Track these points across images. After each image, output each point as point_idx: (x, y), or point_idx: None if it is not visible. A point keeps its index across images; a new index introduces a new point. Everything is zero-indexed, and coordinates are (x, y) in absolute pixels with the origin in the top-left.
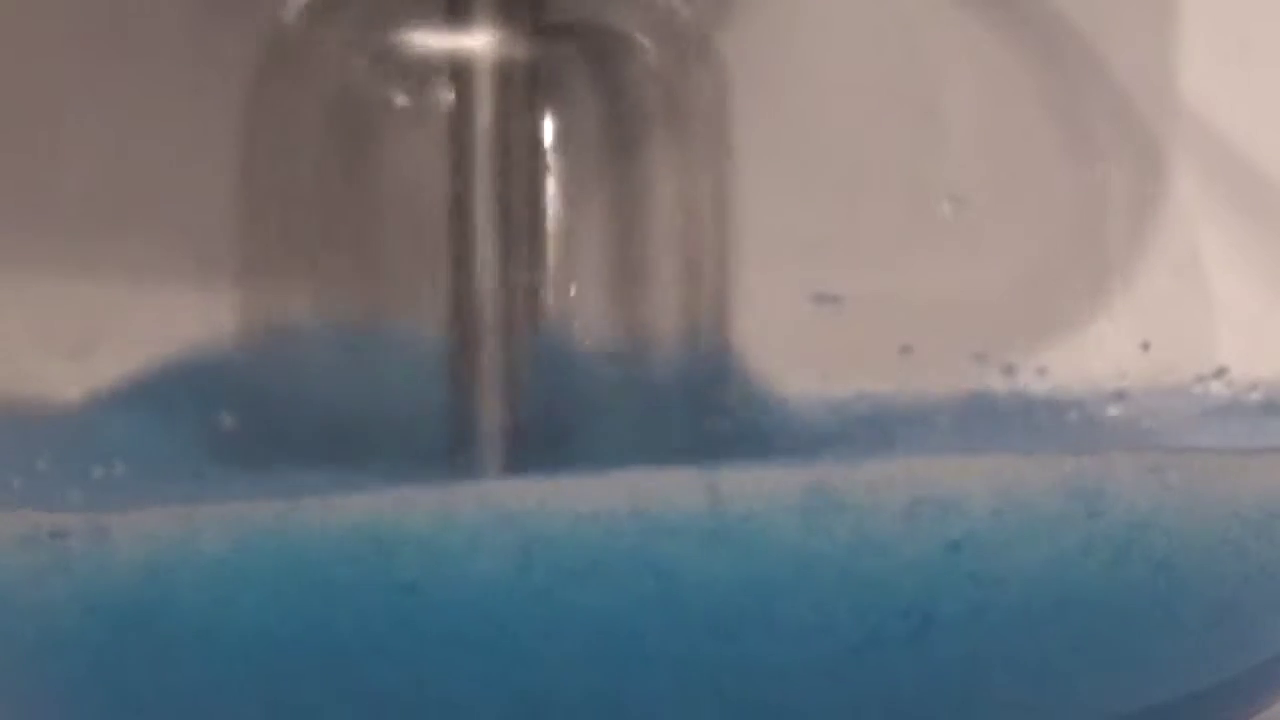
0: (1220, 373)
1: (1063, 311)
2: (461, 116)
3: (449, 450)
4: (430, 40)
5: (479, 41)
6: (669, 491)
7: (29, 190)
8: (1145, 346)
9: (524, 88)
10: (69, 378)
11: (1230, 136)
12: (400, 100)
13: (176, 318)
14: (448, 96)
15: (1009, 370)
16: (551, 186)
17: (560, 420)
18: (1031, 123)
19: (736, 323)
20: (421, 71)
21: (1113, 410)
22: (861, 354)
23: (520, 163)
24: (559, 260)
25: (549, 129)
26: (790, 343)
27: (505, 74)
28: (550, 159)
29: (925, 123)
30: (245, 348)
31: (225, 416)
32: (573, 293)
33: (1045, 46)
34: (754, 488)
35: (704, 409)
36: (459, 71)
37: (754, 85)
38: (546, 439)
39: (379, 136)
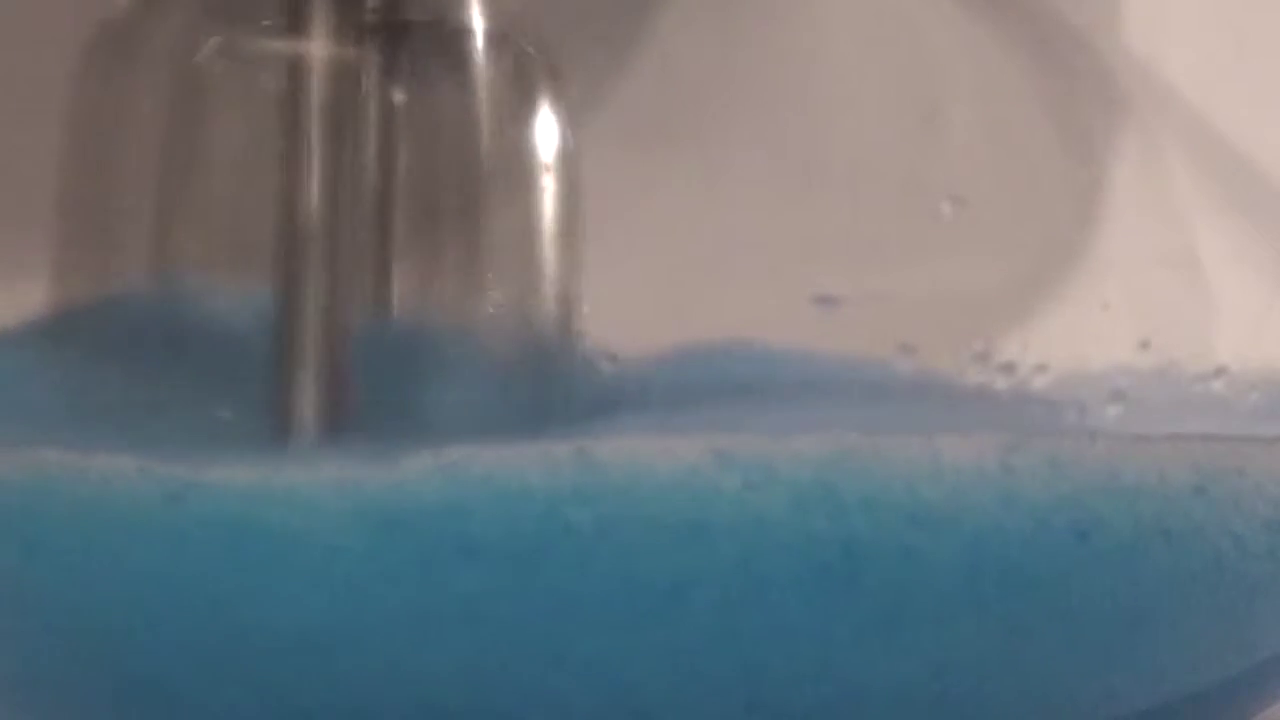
0: (1219, 371)
1: (1062, 310)
2: (294, 112)
3: (270, 431)
4: (264, 35)
5: (314, 38)
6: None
7: None
8: (1144, 345)
9: (358, 85)
10: None
11: (1228, 134)
12: (232, 94)
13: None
14: (281, 92)
15: (1008, 369)
16: (385, 183)
17: (387, 401)
18: (1031, 123)
19: (737, 323)
20: (255, 66)
21: (1112, 409)
22: (861, 354)
23: (352, 159)
24: (394, 252)
25: (383, 125)
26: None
27: (339, 72)
28: (385, 154)
29: (925, 123)
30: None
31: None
32: (404, 284)
33: (1045, 46)
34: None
35: (538, 387)
36: (293, 68)
37: (754, 85)
38: (372, 422)
39: (211, 128)
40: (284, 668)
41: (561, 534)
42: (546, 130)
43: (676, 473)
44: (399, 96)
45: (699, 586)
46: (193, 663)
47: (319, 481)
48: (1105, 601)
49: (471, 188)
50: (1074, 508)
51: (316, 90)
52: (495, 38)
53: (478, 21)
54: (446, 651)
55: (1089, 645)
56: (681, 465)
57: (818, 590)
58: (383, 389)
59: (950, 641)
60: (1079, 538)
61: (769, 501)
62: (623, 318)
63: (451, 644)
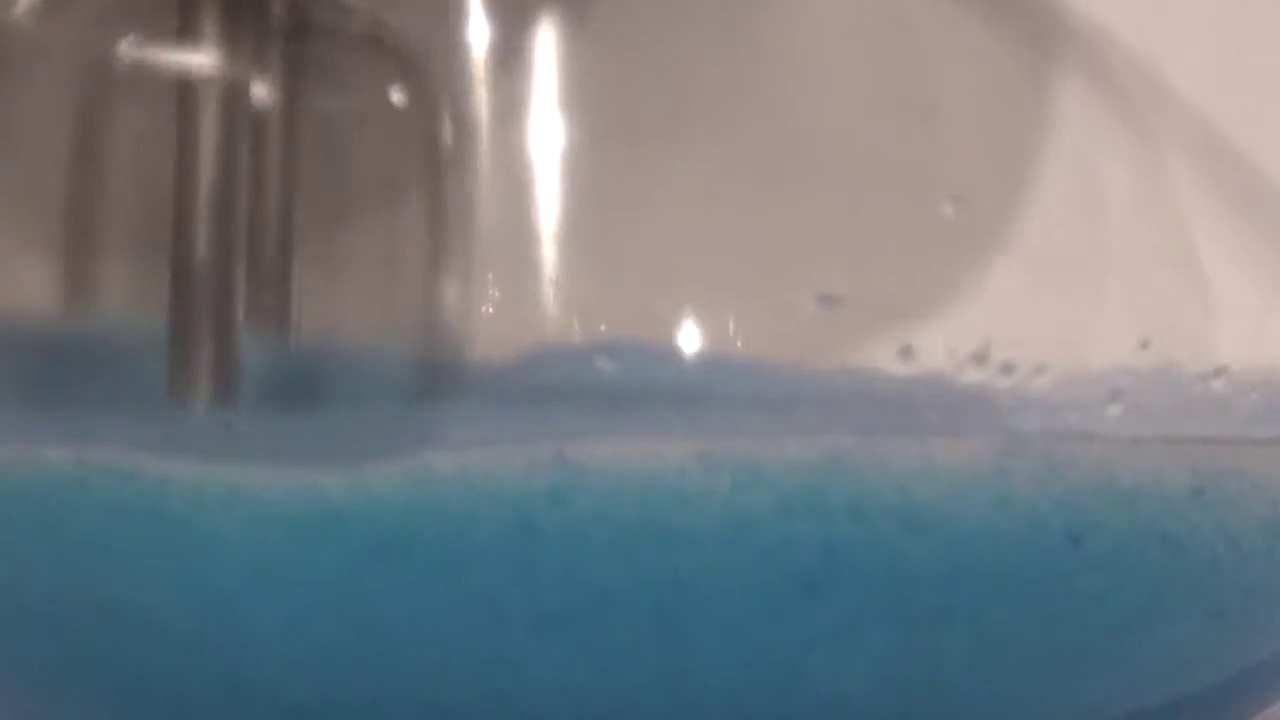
0: (1219, 371)
1: (1062, 310)
2: (186, 126)
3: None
4: (157, 51)
5: (206, 54)
6: None
7: None
8: (1144, 345)
9: (249, 100)
10: None
11: (1228, 134)
12: (125, 109)
13: None
14: (173, 105)
15: (1007, 369)
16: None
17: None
18: (1031, 122)
19: (737, 323)
20: (148, 81)
21: (1112, 409)
22: (862, 354)
23: (244, 171)
24: (282, 261)
25: (286, 131)
26: (790, 343)
27: (232, 86)
28: (289, 159)
29: (925, 123)
30: None
31: None
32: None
33: (1044, 46)
34: None
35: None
36: (185, 82)
37: (754, 85)
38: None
39: (105, 140)
40: (248, 667)
41: (536, 537)
42: (447, 138)
43: (663, 475)
44: (302, 103)
45: (684, 591)
46: (160, 661)
47: (289, 484)
48: (1101, 605)
49: (371, 194)
50: (1070, 511)
51: (205, 103)
52: (395, 45)
53: (379, 28)
54: (420, 654)
55: (1084, 649)
56: (669, 467)
57: (807, 596)
58: (275, 390)
59: (944, 645)
60: (1074, 541)
61: (757, 505)
62: (621, 318)
63: (428, 647)
